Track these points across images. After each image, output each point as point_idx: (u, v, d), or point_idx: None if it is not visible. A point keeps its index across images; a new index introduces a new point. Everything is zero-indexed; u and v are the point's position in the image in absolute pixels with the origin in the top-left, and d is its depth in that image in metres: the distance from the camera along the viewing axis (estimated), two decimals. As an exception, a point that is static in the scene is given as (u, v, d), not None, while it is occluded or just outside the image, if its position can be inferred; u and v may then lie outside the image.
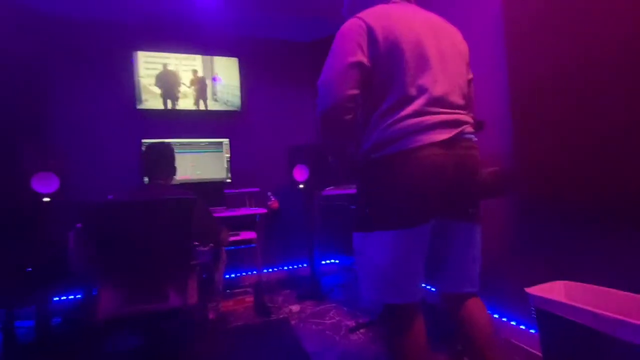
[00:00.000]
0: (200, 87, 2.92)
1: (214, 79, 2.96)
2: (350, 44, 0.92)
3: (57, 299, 2.46)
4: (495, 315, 1.76)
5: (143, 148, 2.54)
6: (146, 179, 1.80)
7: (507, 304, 1.72)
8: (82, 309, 2.17)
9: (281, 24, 3.01)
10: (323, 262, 3.30)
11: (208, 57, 2.94)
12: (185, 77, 2.87)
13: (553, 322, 1.15)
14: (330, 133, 0.98)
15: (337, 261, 3.38)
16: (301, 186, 2.60)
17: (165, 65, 2.81)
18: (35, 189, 2.03)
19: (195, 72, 2.90)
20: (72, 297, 2.50)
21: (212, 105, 2.96)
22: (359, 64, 0.91)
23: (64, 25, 2.61)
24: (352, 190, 2.12)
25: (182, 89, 2.86)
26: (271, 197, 2.67)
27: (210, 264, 1.99)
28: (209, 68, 2.94)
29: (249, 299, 2.49)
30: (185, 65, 2.88)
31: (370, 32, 0.92)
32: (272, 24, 2.98)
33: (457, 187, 0.94)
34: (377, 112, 0.93)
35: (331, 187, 2.36)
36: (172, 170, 1.80)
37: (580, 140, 1.30)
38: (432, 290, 2.17)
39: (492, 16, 1.72)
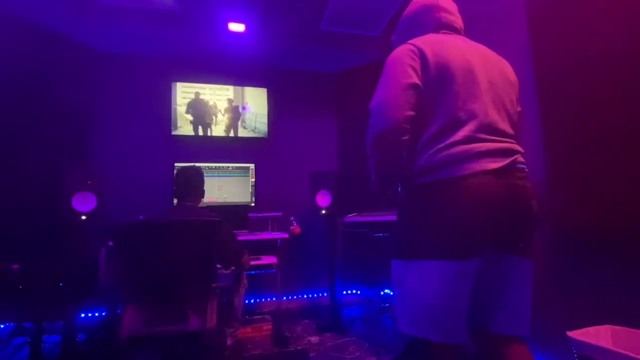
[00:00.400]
0: (233, 115, 3.08)
1: (243, 108, 3.12)
2: (404, 67, 0.93)
3: (82, 315, 2.53)
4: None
5: (175, 171, 2.67)
6: (175, 201, 1.87)
7: (547, 348, 1.57)
8: (106, 326, 2.20)
9: (308, 57, 3.16)
10: (344, 292, 3.20)
11: (239, 87, 3.11)
12: (220, 106, 3.05)
13: (600, 372, 1.03)
14: (384, 155, 0.94)
15: (358, 292, 3.26)
16: (323, 212, 2.60)
17: (197, 94, 3.00)
18: (75, 208, 2.16)
19: (230, 101, 3.07)
20: (97, 314, 2.56)
21: (241, 132, 3.09)
22: (415, 86, 0.91)
23: (110, 59, 2.88)
24: (375, 217, 2.09)
25: (216, 116, 3.03)
26: (293, 222, 2.68)
27: (231, 287, 1.99)
28: (239, 97, 3.11)
29: (267, 326, 2.44)
30: (219, 95, 3.06)
31: (423, 56, 0.93)
32: (299, 56, 3.15)
33: (510, 219, 0.89)
34: (425, 136, 0.92)
35: (354, 214, 2.34)
36: (201, 192, 1.87)
37: (627, 168, 1.22)
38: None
39: (520, 46, 1.72)
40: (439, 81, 0.92)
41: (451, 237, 0.85)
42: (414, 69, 0.92)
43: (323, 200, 2.63)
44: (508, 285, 0.93)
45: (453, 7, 1.11)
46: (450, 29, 1.07)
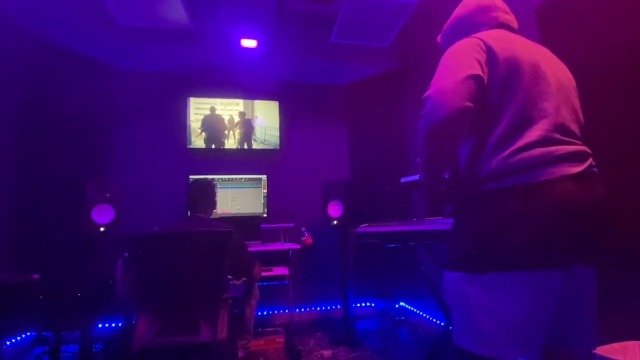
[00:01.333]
0: (246, 128, 3.14)
1: (252, 122, 3.18)
2: (467, 59, 0.87)
3: (100, 325, 2.58)
4: (557, 379, 1.52)
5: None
6: (188, 212, 1.91)
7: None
8: (122, 337, 2.24)
9: (319, 69, 3.21)
10: (358, 305, 3.14)
11: (251, 101, 3.19)
12: (233, 119, 3.12)
13: (629, 392, 0.96)
14: (437, 147, 0.88)
15: (372, 304, 3.19)
16: (335, 222, 2.58)
17: (212, 109, 3.08)
18: (94, 220, 2.24)
19: (242, 114, 3.14)
20: (113, 324, 2.60)
21: (253, 145, 3.15)
22: (478, 78, 0.85)
23: (127, 76, 3.01)
24: (387, 228, 2.06)
25: (228, 130, 3.10)
26: (305, 232, 2.67)
27: (243, 298, 1.99)
28: (251, 111, 3.18)
29: (280, 339, 2.41)
30: (231, 109, 3.13)
31: (490, 51, 0.88)
32: (310, 69, 3.20)
33: (593, 227, 0.82)
34: (493, 137, 0.85)
35: (365, 225, 2.31)
36: (212, 204, 1.90)
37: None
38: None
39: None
40: (508, 77, 0.86)
41: (534, 247, 0.78)
42: (479, 62, 0.86)
43: (335, 210, 2.62)
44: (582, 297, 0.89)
45: (507, 7, 1.06)
46: (508, 28, 1.02)
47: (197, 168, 2.97)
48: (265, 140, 3.19)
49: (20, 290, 1.47)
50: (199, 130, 3.03)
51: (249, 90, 3.22)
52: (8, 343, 2.19)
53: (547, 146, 0.81)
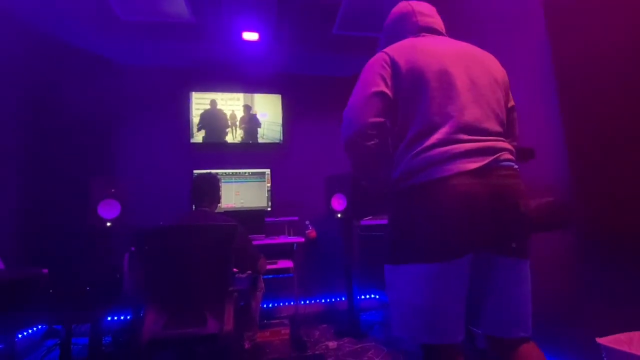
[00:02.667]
0: (252, 123, 3.14)
1: (256, 116, 3.17)
2: (373, 76, 0.97)
3: (109, 318, 2.63)
4: (562, 369, 1.53)
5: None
6: (193, 206, 1.92)
7: (574, 355, 1.49)
8: (131, 329, 2.28)
9: (321, 61, 3.18)
10: (362, 297, 3.16)
11: (254, 95, 3.17)
12: (236, 114, 3.11)
13: (634, 382, 0.97)
14: (355, 159, 1.02)
15: (377, 296, 3.22)
16: (339, 215, 2.59)
17: (212, 103, 3.07)
18: (101, 215, 2.26)
19: (247, 108, 3.13)
20: (122, 317, 2.65)
21: (251, 139, 3.14)
22: (381, 94, 0.95)
23: (129, 72, 3.01)
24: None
25: (231, 125, 3.09)
26: (309, 226, 2.68)
27: (248, 291, 2.01)
28: (254, 104, 3.17)
29: (285, 331, 2.44)
30: (233, 103, 3.12)
31: (394, 65, 0.95)
32: (313, 61, 3.18)
33: (495, 218, 0.87)
34: (403, 142, 0.94)
35: (369, 217, 2.32)
36: (217, 198, 1.91)
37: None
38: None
39: (538, 44, 1.67)
40: (412, 88, 0.93)
41: (433, 239, 0.85)
42: (383, 78, 0.95)
43: (338, 204, 2.62)
44: (500, 286, 0.92)
45: (430, 10, 1.12)
46: (430, 30, 1.08)
47: (200, 163, 2.98)
48: (269, 134, 3.19)
49: (31, 285, 1.50)
50: (198, 127, 3.02)
51: (251, 84, 3.21)
52: (20, 336, 2.25)
53: (445, 146, 0.88)
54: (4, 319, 1.46)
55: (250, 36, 2.72)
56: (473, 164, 0.86)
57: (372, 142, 0.95)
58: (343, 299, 3.06)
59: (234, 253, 1.49)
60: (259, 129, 3.15)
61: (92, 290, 2.02)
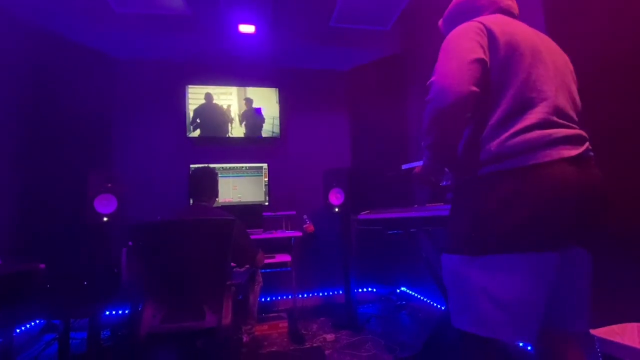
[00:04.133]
0: (246, 116, 3.11)
1: (257, 110, 3.15)
2: (470, 43, 0.87)
3: (107, 313, 2.64)
4: None
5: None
6: (191, 201, 1.92)
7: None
8: (129, 323, 2.28)
9: (319, 55, 3.15)
10: (359, 290, 3.19)
11: (251, 88, 3.14)
12: (233, 108, 3.08)
13: (626, 372, 0.98)
14: (444, 133, 0.88)
15: (374, 290, 3.24)
16: (337, 210, 2.59)
17: (208, 98, 3.03)
18: (97, 210, 2.25)
19: (243, 101, 3.11)
20: (121, 311, 2.66)
21: (253, 133, 3.12)
22: (482, 61, 0.85)
23: (125, 65, 2.97)
24: (389, 214, 2.06)
25: (229, 119, 3.07)
26: (307, 220, 2.69)
27: (246, 285, 2.02)
28: (251, 98, 3.14)
29: (283, 324, 2.46)
30: (230, 97, 3.09)
31: (491, 34, 0.88)
32: (310, 54, 3.15)
33: (590, 210, 0.83)
34: (492, 120, 0.86)
35: (367, 212, 2.32)
36: (215, 192, 1.91)
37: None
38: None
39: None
40: (508, 61, 0.86)
41: (532, 229, 0.79)
42: (481, 45, 0.87)
43: (336, 198, 2.62)
44: (577, 278, 0.90)
45: None
46: (508, 14, 1.02)
47: (197, 157, 2.96)
48: (267, 128, 3.17)
49: (27, 280, 1.49)
50: (196, 121, 2.99)
51: (248, 78, 3.18)
52: (18, 331, 2.25)
53: (546, 129, 0.82)
54: (1, 314, 1.46)
55: (247, 29, 2.69)
56: (573, 151, 0.81)
57: (468, 115, 0.86)
58: (340, 292, 3.08)
59: (232, 247, 1.49)
60: (254, 123, 3.12)
61: (89, 284, 2.02)
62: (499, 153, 0.83)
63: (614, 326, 1.13)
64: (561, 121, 0.84)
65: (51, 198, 2.44)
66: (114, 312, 2.66)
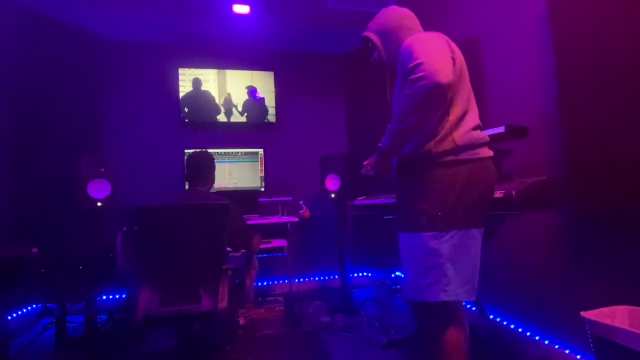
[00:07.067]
0: (253, 106, 3.05)
1: (252, 92, 3.08)
2: (445, 47, 1.01)
3: (104, 297, 2.65)
4: (546, 342, 1.59)
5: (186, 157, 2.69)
6: (187, 186, 1.89)
7: (560, 329, 1.55)
8: (126, 307, 2.30)
9: (315, 37, 3.08)
10: (355, 275, 3.23)
11: (246, 72, 3.07)
12: (229, 91, 3.02)
13: (614, 352, 1.01)
14: (423, 113, 0.95)
15: (369, 274, 3.28)
16: (333, 195, 2.59)
17: (199, 83, 2.95)
18: (91, 195, 2.22)
19: (251, 92, 3.04)
20: (117, 296, 2.67)
21: (249, 117, 3.08)
22: (454, 63, 1.00)
23: (116, 47, 2.88)
24: (384, 200, 2.06)
25: (224, 104, 3.01)
26: (303, 206, 2.69)
27: (242, 269, 2.03)
28: (247, 82, 3.07)
29: (280, 307, 2.49)
30: (225, 80, 3.03)
31: (450, 47, 1.03)
32: (306, 37, 3.07)
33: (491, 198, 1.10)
34: (453, 115, 1.02)
35: (363, 197, 2.32)
36: (211, 177, 1.88)
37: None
38: (473, 310, 2.03)
39: (537, 16, 1.62)
40: (459, 71, 1.04)
41: (480, 209, 1.03)
42: (451, 51, 1.02)
43: (332, 184, 2.61)
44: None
45: None
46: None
47: (191, 141, 2.92)
48: (262, 113, 3.12)
49: (20, 264, 1.48)
50: (187, 106, 2.93)
51: (243, 60, 3.10)
52: (14, 315, 2.25)
53: (481, 130, 1.07)
54: (-5, 298, 1.45)
55: (241, 9, 2.60)
56: (491, 152, 1.07)
57: (444, 102, 0.98)
58: (336, 276, 3.12)
59: (228, 231, 1.48)
60: (250, 107, 3.07)
61: (85, 269, 2.02)
62: (460, 145, 1.00)
63: (603, 309, 1.15)
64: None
65: (44, 183, 2.40)
66: (110, 297, 2.67)
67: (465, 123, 1.02)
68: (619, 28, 1.22)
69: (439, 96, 0.93)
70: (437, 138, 1.01)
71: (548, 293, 1.59)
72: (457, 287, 0.98)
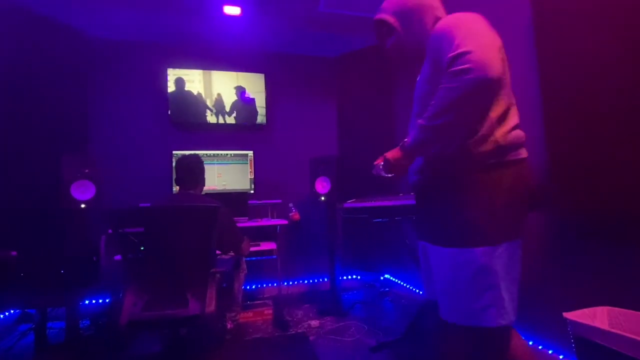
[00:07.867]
0: (243, 107, 3.03)
1: (242, 94, 3.07)
2: (494, 33, 0.86)
3: (87, 302, 2.57)
4: (530, 342, 1.63)
5: (174, 159, 2.65)
6: (176, 188, 1.87)
7: (543, 330, 1.59)
8: (109, 312, 2.24)
9: (307, 40, 3.09)
10: (344, 277, 3.23)
11: (236, 73, 3.05)
12: (218, 91, 2.99)
13: (594, 352, 1.04)
14: (471, 110, 0.82)
15: (358, 277, 3.29)
16: (323, 198, 2.59)
17: (179, 83, 2.91)
18: (74, 196, 2.16)
19: (240, 92, 3.02)
20: (100, 300, 2.60)
21: (239, 119, 3.05)
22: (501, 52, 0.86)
23: (103, 46, 2.82)
24: (374, 203, 2.08)
25: (206, 103, 2.98)
26: (292, 208, 2.68)
27: (231, 273, 2.00)
28: (237, 83, 3.05)
29: (268, 311, 2.47)
30: (214, 82, 3.00)
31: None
32: (297, 40, 3.08)
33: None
34: (494, 112, 0.87)
35: (353, 200, 2.33)
36: (201, 180, 1.86)
37: (628, 144, 1.19)
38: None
39: (521, 14, 1.67)
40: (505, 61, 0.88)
41: (522, 216, 0.90)
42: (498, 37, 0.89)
43: (322, 186, 2.62)
44: None
45: None
46: None
47: (179, 143, 2.88)
48: (252, 115, 3.10)
49: (-2, 268, 1.43)
50: (174, 106, 2.88)
51: (233, 62, 3.08)
52: (-9, 320, 2.17)
53: (520, 130, 0.92)
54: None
55: (232, 10, 2.59)
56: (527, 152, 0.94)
57: (491, 100, 0.86)
58: (325, 279, 3.11)
59: (217, 235, 1.46)
60: (239, 109, 3.05)
61: (66, 272, 1.96)
62: (503, 145, 0.87)
63: (584, 310, 1.19)
64: None
65: (26, 183, 2.32)
66: (93, 301, 2.59)
67: (508, 121, 0.88)
68: (601, 37, 1.27)
69: (487, 93, 0.81)
70: (477, 137, 0.86)
71: (531, 294, 1.62)
72: (511, 309, 0.86)
